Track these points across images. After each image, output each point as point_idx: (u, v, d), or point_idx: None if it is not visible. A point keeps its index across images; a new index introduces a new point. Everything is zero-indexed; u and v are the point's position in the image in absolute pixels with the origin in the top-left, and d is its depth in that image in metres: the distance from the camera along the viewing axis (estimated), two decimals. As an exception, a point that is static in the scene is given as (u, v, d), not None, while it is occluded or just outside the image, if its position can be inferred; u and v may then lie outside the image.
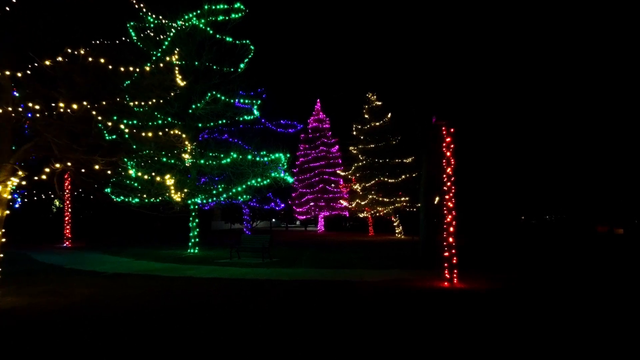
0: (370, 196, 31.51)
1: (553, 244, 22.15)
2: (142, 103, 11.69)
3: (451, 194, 9.52)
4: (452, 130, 9.64)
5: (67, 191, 20.89)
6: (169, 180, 14.18)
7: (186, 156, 12.07)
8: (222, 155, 14.89)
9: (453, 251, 9.37)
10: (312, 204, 42.14)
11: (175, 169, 15.53)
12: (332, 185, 41.61)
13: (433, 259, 14.07)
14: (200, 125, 17.06)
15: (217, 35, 15.95)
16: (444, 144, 9.68)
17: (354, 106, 34.55)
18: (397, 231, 32.50)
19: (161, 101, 15.12)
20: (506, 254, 17.12)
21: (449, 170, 9.58)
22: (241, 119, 17.11)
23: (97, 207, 36.34)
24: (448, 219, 9.46)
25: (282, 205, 26.48)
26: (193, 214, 16.62)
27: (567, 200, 39.98)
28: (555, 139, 34.08)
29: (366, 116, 33.15)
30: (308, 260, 14.68)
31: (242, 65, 17.26)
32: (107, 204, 18.65)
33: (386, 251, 18.76)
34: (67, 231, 21.15)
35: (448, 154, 9.60)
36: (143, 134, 9.67)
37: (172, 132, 10.36)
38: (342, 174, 35.88)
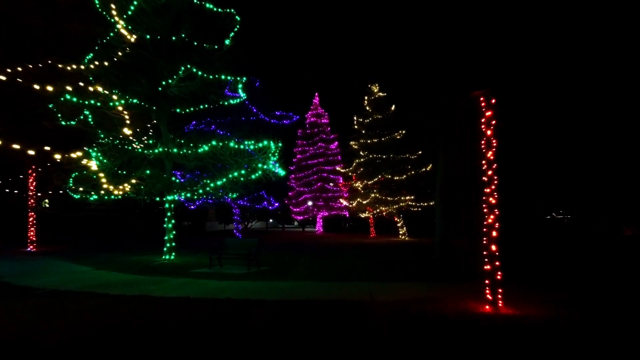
0: (373, 195, 29.06)
1: (585, 247, 19.74)
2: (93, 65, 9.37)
3: (493, 187, 7.10)
4: (492, 101, 7.23)
5: (31, 188, 18.40)
6: (140, 173, 11.77)
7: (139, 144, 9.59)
8: (199, 144, 12.42)
9: (497, 263, 6.95)
10: (310, 203, 39.69)
11: (146, 160, 13.09)
12: (332, 183, 39.16)
13: (452, 267, 11.68)
14: (178, 110, 14.58)
15: (195, 0, 13.43)
16: (483, 120, 7.26)
17: (355, 99, 32.25)
18: (400, 232, 30.09)
19: (115, 59, 12.70)
20: (540, 257, 14.71)
21: (489, 155, 7.16)
22: (226, 103, 14.63)
23: (79, 207, 33.78)
24: (489, 220, 7.04)
25: (277, 204, 24.04)
26: (169, 213, 14.11)
27: (587, 198, 37.84)
28: (579, 133, 32.03)
29: (368, 108, 30.72)
30: (303, 269, 12.25)
31: (227, 42, 14.79)
32: (89, 204, 16.18)
33: (393, 256, 16.35)
34: (31, 234, 18.64)
35: (489, 132, 7.17)
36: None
37: (117, 108, 7.95)
38: (342, 171, 33.43)
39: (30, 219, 18.59)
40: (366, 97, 30.85)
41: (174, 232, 14.20)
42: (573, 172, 37.39)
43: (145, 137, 13.04)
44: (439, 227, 12.80)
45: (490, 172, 7.13)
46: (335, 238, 30.71)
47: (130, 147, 12.27)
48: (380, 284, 9.57)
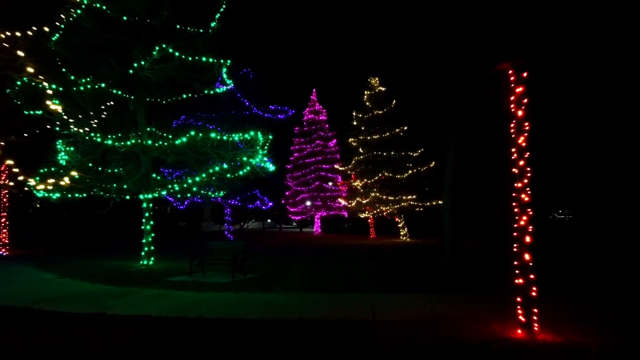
0: (373, 194, 27.64)
1: (600, 248, 18.35)
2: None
3: (526, 180, 5.71)
4: (524, 75, 5.84)
5: (2, 185, 16.96)
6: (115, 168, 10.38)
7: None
8: (177, 136, 10.97)
9: (531, 276, 5.55)
10: (307, 203, 38.25)
11: (119, 154, 11.68)
12: (330, 183, 37.74)
13: (465, 273, 10.30)
14: (159, 100, 13.16)
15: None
16: (512, 98, 5.87)
17: (355, 95, 30.93)
18: (401, 233, 28.70)
19: (84, 41, 11.18)
20: (556, 262, 13.32)
21: (520, 140, 5.77)
22: (212, 92, 13.20)
23: (65, 206, 32.40)
24: (521, 222, 5.65)
25: (270, 204, 22.61)
26: (147, 214, 12.67)
27: (595, 197, 36.56)
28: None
29: (367, 104, 29.30)
30: (296, 277, 10.86)
31: (213, 24, 13.36)
32: (77, 203, 14.61)
33: (396, 259, 14.97)
34: (4, 236, 17.20)
35: (519, 113, 5.78)
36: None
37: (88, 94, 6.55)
38: (341, 169, 32.02)
39: (2, 219, 17.15)
40: (366, 92, 29.44)
41: (152, 235, 12.76)
42: (575, 170, 36.14)
43: (122, 130, 11.60)
44: (448, 228, 11.41)
45: (521, 163, 5.74)
46: (333, 239, 29.31)
47: (99, 139, 10.84)
48: (383, 296, 8.18)
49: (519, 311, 5.61)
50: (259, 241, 27.90)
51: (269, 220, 63.38)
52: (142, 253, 12.65)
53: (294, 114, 26.89)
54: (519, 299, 5.62)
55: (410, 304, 7.45)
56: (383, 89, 29.19)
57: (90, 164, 12.17)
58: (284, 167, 40.89)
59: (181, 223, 47.96)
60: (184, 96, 13.13)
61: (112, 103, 12.68)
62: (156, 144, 11.27)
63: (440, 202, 26.75)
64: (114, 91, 11.32)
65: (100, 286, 9.40)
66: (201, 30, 13.32)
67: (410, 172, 27.51)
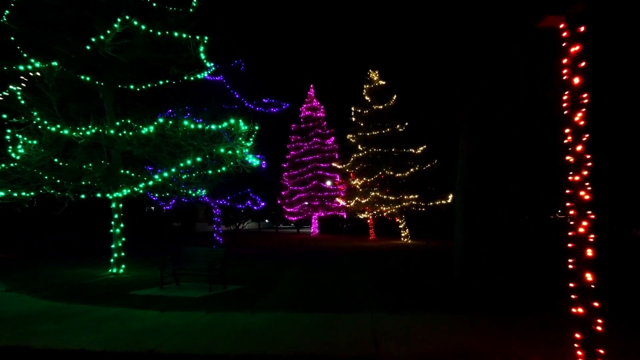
0: (372, 193, 26.11)
1: (618, 252, 16.83)
2: None
3: (585, 172, 4.20)
4: (581, 29, 4.32)
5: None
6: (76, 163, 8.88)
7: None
8: (143, 124, 9.41)
9: (595, 304, 4.04)
10: (304, 203, 36.69)
11: (84, 147, 10.14)
12: (328, 182, 36.18)
13: (483, 286, 8.81)
14: (132, 88, 11.61)
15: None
16: (565, 61, 4.35)
17: (353, 90, 29.38)
18: (402, 235, 27.22)
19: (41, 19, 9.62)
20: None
21: (577, 118, 4.24)
22: (192, 78, 11.66)
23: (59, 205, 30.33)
24: (580, 229, 4.13)
25: (263, 204, 21.07)
26: (116, 215, 11.10)
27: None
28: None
29: (367, 98, 27.77)
30: (285, 289, 9.34)
31: (194, 3, 11.82)
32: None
33: (398, 264, 13.49)
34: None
35: (576, 81, 4.26)
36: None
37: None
38: (339, 167, 30.51)
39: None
40: (365, 86, 27.93)
41: (123, 239, 11.19)
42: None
43: (90, 121, 10.03)
44: (460, 232, 9.91)
45: (579, 148, 4.22)
46: (331, 241, 27.81)
47: (53, 129, 9.31)
48: (387, 317, 6.67)
49: (579, 352, 4.09)
50: (253, 243, 26.38)
51: (266, 221, 61.84)
52: (111, 260, 11.08)
53: (290, 110, 25.32)
54: (577, 336, 4.10)
55: (422, 330, 5.92)
56: (383, 82, 27.69)
57: (56, 160, 10.65)
58: (280, 165, 39.44)
59: (175, 224, 46.51)
60: (161, 82, 11.57)
61: (80, 90, 11.12)
62: (120, 134, 9.72)
63: (444, 201, 25.27)
64: (81, 77, 9.76)
65: (47, 303, 7.85)
66: (181, 10, 11.78)
67: (412, 170, 26.02)
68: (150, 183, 10.01)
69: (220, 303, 7.81)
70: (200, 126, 9.38)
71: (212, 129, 9.43)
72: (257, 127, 10.37)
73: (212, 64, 11.05)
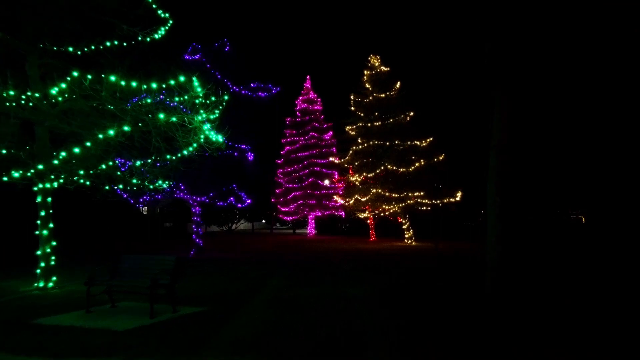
0: (373, 190, 23.60)
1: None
2: None
3: None
4: None
5: None
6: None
7: None
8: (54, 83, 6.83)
9: None
10: (300, 202, 34.14)
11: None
12: (327, 181, 33.50)
13: (528, 312, 6.34)
14: (70, 50, 9.09)
15: None
16: None
17: (353, 80, 26.77)
18: (406, 236, 24.76)
19: None
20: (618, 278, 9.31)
21: None
22: (148, 39, 9.19)
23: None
24: None
25: (249, 201, 18.55)
26: (43, 212, 8.56)
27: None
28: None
29: (367, 86, 25.27)
30: (259, 313, 6.84)
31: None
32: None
33: (406, 272, 11.02)
34: None
35: None
36: None
37: None
38: (337, 162, 28.00)
39: None
40: (366, 72, 25.43)
41: (53, 243, 8.67)
42: (588, 166, 32.08)
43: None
44: (493, 235, 7.42)
45: None
46: (328, 242, 25.32)
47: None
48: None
49: None
50: (241, 246, 23.89)
51: (263, 221, 59.20)
52: (37, 271, 8.54)
53: (285, 102, 22.83)
54: None
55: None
56: (386, 69, 25.18)
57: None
58: (274, 161, 36.91)
59: (167, 224, 44.11)
60: (108, 44, 9.07)
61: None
62: (23, 96, 7.17)
63: (452, 199, 22.82)
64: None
65: None
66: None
67: (417, 164, 23.52)
68: (58, 161, 7.35)
69: (156, 341, 5.31)
70: (134, 83, 6.85)
71: (152, 88, 6.91)
72: (226, 97, 7.89)
73: (167, 15, 8.58)
